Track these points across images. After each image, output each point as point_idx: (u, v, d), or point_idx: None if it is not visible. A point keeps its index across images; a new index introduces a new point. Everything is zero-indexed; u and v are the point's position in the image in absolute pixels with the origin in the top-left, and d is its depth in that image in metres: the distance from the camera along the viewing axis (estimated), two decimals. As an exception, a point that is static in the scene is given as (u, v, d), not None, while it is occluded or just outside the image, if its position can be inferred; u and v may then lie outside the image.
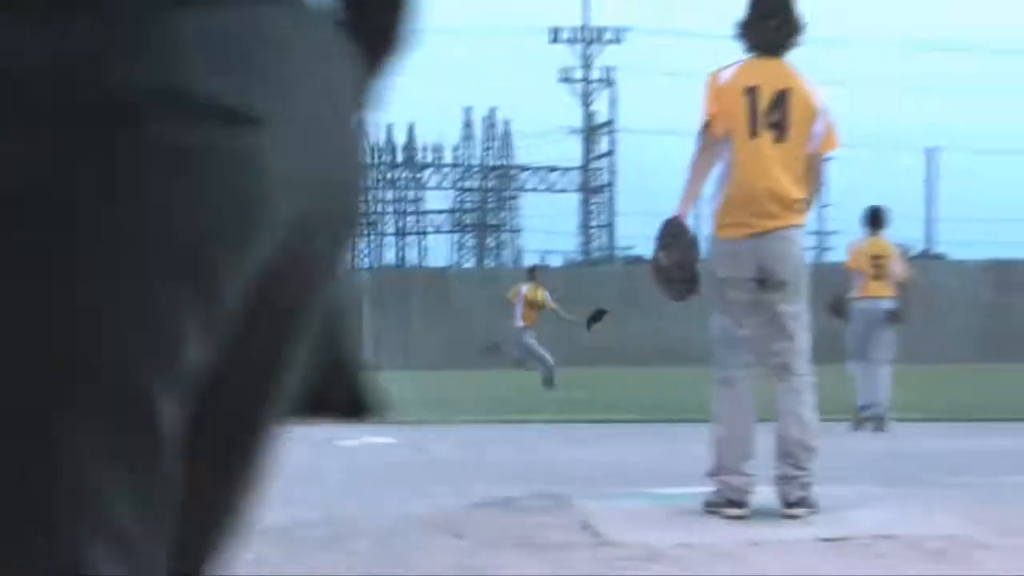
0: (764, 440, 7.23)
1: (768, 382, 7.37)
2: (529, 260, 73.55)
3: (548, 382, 24.32)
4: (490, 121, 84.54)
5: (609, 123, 78.86)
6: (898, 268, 14.91)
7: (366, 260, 77.32)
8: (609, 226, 78.75)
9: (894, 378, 14.65)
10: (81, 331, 1.30)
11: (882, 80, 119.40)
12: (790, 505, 7.13)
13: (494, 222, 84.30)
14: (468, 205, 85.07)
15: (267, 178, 1.35)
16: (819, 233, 61.34)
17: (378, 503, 7.88)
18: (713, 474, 7.22)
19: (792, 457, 7.17)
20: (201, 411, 1.39)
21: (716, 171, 7.40)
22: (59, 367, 1.30)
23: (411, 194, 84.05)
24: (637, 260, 53.85)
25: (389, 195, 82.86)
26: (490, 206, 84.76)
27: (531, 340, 25.07)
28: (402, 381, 25.05)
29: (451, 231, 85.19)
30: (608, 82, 78.79)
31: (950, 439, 12.72)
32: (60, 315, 1.30)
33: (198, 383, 1.37)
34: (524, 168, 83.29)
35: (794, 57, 7.51)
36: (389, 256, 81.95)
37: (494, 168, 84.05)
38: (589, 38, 78.59)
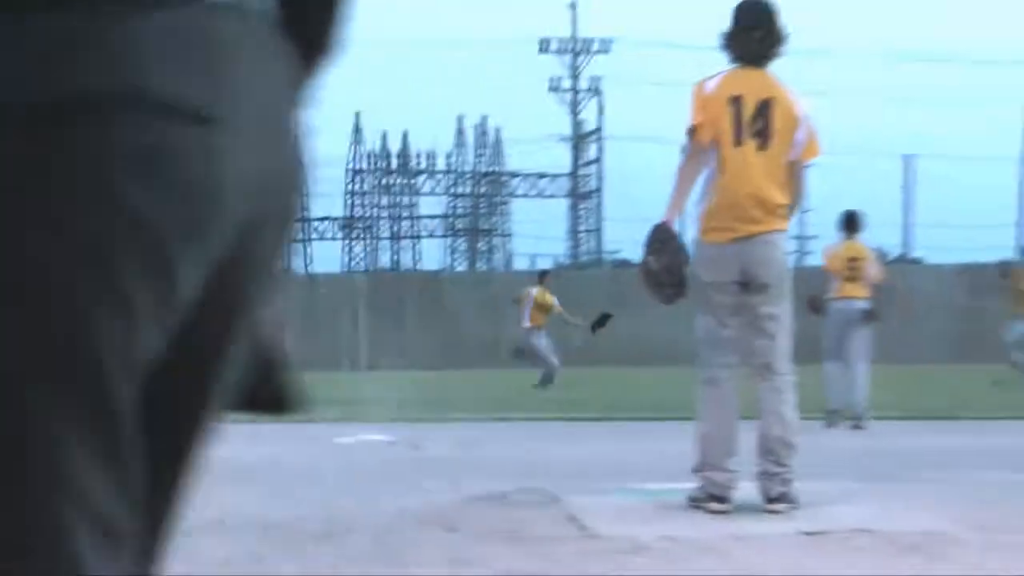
0: (747, 437, 7.29)
1: (751, 381, 7.42)
2: (519, 264, 73.96)
3: (544, 383, 24.49)
4: (482, 129, 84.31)
5: (597, 131, 78.59)
6: (873, 271, 15.01)
7: (362, 264, 77.42)
8: (597, 231, 78.53)
9: (872, 378, 14.62)
10: (49, 320, 1.31)
11: (864, 90, 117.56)
12: (771, 500, 7.20)
13: (486, 227, 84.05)
14: (461, 210, 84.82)
15: (224, 177, 1.37)
16: (800, 238, 61.22)
17: (374, 499, 7.87)
18: (697, 470, 7.28)
19: (774, 454, 7.23)
20: (145, 398, 1.40)
21: (702, 178, 7.45)
22: (27, 353, 1.31)
23: (405, 199, 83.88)
24: (624, 264, 54.00)
25: (384, 200, 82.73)
26: (482, 211, 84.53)
27: (537, 341, 25.37)
28: (399, 381, 25.21)
29: (444, 235, 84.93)
30: (596, 91, 78.56)
31: (926, 437, 12.65)
32: (27, 304, 1.31)
33: (147, 370, 1.39)
34: (515, 174, 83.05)
35: (777, 68, 7.56)
36: (384, 260, 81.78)
37: (486, 174, 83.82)
38: (577, 49, 78.24)
